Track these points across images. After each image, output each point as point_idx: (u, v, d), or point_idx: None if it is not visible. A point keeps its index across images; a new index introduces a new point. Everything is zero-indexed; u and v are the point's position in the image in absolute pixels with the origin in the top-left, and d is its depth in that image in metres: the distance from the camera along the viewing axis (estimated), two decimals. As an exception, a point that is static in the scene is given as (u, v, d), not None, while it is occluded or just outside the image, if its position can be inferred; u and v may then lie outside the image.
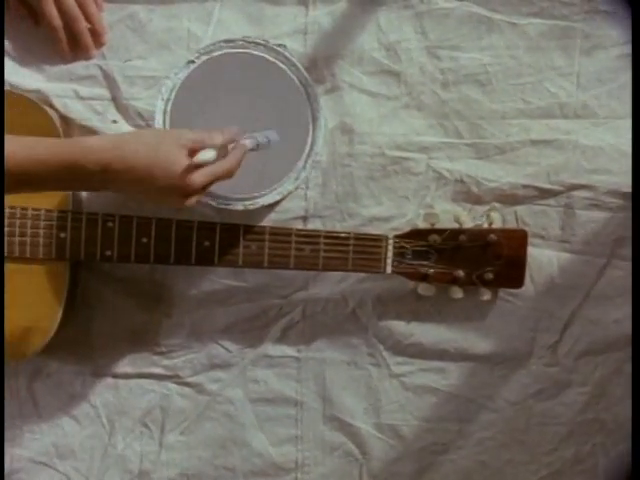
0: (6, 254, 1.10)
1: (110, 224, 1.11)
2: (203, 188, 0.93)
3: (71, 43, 1.18)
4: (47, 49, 1.19)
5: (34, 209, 1.10)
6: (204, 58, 0.98)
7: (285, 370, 1.24)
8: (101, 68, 1.19)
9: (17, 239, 1.10)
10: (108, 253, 1.11)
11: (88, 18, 1.16)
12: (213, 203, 1.01)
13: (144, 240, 1.10)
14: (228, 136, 0.94)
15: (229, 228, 1.11)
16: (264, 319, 1.23)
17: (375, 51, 1.19)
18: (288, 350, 1.24)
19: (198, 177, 0.90)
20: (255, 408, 1.25)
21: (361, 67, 1.19)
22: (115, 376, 1.25)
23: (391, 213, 1.21)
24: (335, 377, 1.24)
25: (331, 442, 1.25)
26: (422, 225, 1.17)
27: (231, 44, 0.98)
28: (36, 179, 0.86)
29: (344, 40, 1.19)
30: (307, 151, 1.00)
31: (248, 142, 0.97)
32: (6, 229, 1.10)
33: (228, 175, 0.94)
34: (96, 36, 1.18)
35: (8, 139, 0.85)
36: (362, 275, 1.21)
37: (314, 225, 1.22)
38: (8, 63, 1.19)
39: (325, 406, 1.24)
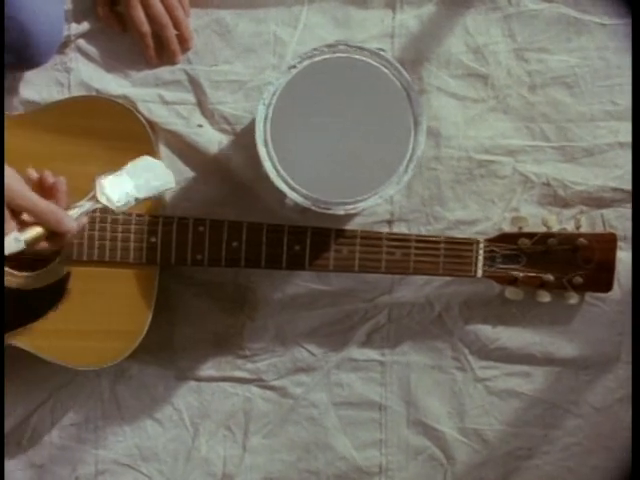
0: (96, 258, 1.11)
1: (201, 228, 1.11)
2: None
3: (158, 49, 1.18)
4: (133, 55, 1.20)
5: (126, 214, 1.10)
6: (306, 63, 0.98)
7: (369, 374, 1.24)
8: (187, 73, 1.20)
9: (108, 243, 1.10)
10: (199, 257, 1.11)
11: (176, 24, 1.16)
12: (314, 207, 1.01)
13: (235, 244, 1.10)
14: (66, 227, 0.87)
15: (320, 232, 1.11)
16: (349, 323, 1.23)
17: (462, 54, 1.18)
18: (372, 354, 1.24)
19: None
20: (339, 412, 1.25)
21: (448, 70, 1.18)
22: (198, 379, 1.25)
23: (476, 217, 1.20)
24: (419, 381, 1.23)
25: (415, 446, 1.24)
26: (509, 229, 1.17)
27: (333, 48, 0.98)
28: None
29: (431, 43, 1.18)
30: (409, 155, 1.00)
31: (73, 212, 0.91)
32: (97, 233, 1.10)
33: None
34: (182, 41, 1.18)
35: None
36: (447, 279, 1.20)
37: (399, 229, 1.21)
38: (94, 69, 1.19)
39: (409, 410, 1.24)
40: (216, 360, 1.25)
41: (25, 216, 0.87)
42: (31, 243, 0.86)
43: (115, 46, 1.19)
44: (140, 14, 1.14)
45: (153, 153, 1.10)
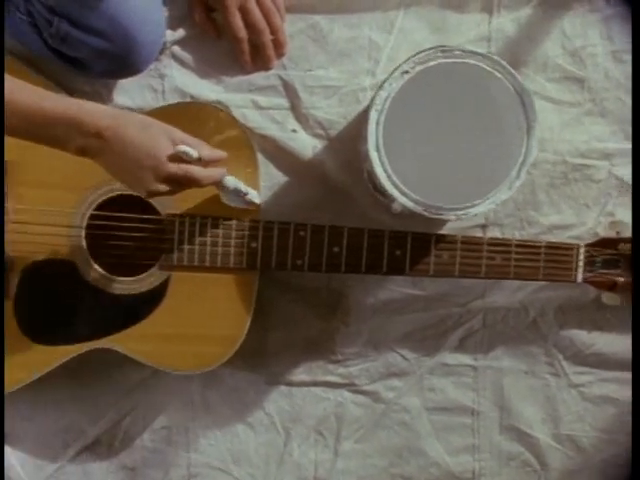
0: (197, 263, 1.11)
1: (302, 233, 1.11)
2: (171, 182, 0.94)
3: (253, 54, 1.18)
4: (227, 61, 1.20)
5: (226, 219, 1.10)
6: (419, 68, 0.98)
7: (462, 379, 1.24)
8: (281, 78, 1.20)
9: (208, 248, 1.11)
10: (299, 262, 1.11)
11: (272, 30, 1.16)
12: (425, 213, 1.01)
13: (336, 249, 1.10)
14: (214, 156, 0.98)
15: (420, 237, 1.11)
16: (442, 327, 1.23)
17: (559, 57, 1.18)
18: (465, 359, 1.23)
19: (173, 165, 0.93)
20: (431, 417, 1.24)
21: (545, 74, 1.18)
22: (290, 384, 1.25)
23: (571, 221, 1.20)
24: (513, 386, 1.23)
25: (508, 452, 1.24)
26: (604, 233, 1.16)
27: (447, 53, 0.98)
28: (32, 127, 0.87)
29: (528, 47, 1.18)
30: (521, 160, 0.99)
31: (230, 178, 1.02)
32: (197, 238, 1.10)
33: (196, 183, 0.96)
34: (278, 47, 1.19)
35: (19, 84, 0.87)
36: (540, 283, 1.20)
37: (493, 233, 1.21)
38: (188, 75, 1.20)
39: (502, 415, 1.23)
40: (308, 365, 1.25)
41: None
42: (189, 155, 0.94)
43: (209, 52, 1.20)
44: (238, 20, 1.14)
45: (254, 159, 1.11)
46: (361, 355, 1.23)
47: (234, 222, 1.11)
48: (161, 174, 0.93)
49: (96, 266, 1.10)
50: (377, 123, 0.98)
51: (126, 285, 1.10)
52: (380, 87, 0.97)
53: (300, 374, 1.24)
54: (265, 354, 1.23)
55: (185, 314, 1.12)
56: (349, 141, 1.19)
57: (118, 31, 1.02)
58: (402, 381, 1.23)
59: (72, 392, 1.22)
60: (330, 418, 1.24)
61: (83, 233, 1.09)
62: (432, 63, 0.97)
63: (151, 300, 1.11)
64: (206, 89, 1.19)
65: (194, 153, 0.94)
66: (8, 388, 1.11)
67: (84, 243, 1.09)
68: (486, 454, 1.23)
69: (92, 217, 1.10)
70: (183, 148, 0.93)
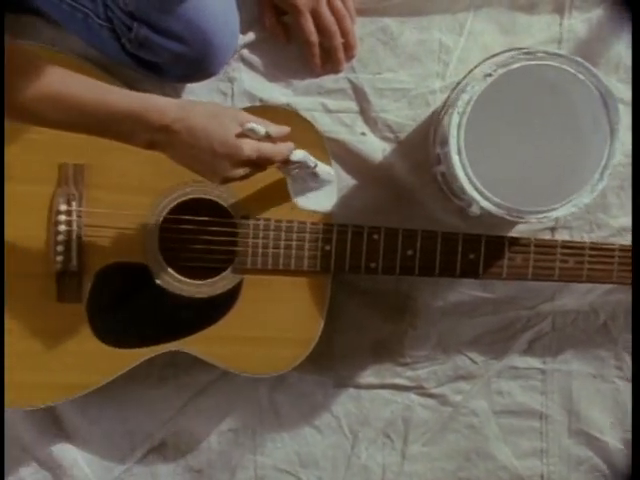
0: (270, 266, 1.11)
1: (375, 236, 1.11)
2: (246, 166, 0.94)
3: (323, 58, 1.18)
4: (296, 64, 1.20)
5: (300, 222, 1.11)
6: (501, 71, 0.97)
7: (530, 382, 1.23)
8: (350, 81, 1.20)
9: (282, 251, 1.11)
10: (373, 265, 1.11)
11: (343, 33, 1.17)
12: (507, 216, 1.00)
13: (409, 252, 1.10)
14: (282, 132, 0.97)
15: (494, 240, 1.11)
16: (511, 330, 1.23)
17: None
18: (534, 362, 1.23)
19: (247, 147, 0.93)
20: (499, 420, 1.24)
21: (617, 75, 1.18)
22: (357, 387, 1.25)
23: (641, 224, 1.18)
24: (581, 390, 1.22)
25: (577, 456, 1.23)
26: (676, 236, 1.15)
27: (530, 56, 0.98)
28: (95, 121, 0.88)
29: (600, 48, 1.17)
30: (604, 163, 0.99)
31: (298, 151, 0.99)
32: (271, 242, 1.11)
33: (270, 161, 0.96)
34: (348, 50, 1.19)
35: (82, 79, 0.87)
36: (610, 286, 1.19)
37: (561, 236, 1.20)
38: (257, 79, 1.20)
39: (571, 419, 1.23)
40: (376, 367, 1.25)
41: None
42: (257, 132, 0.94)
43: (278, 56, 1.20)
44: (310, 24, 1.15)
45: (329, 164, 1.10)
46: (429, 358, 1.23)
47: (308, 225, 1.11)
48: (237, 161, 0.94)
49: (169, 269, 1.10)
50: (459, 126, 0.98)
51: (199, 288, 1.11)
52: (463, 90, 0.97)
53: (368, 377, 1.24)
54: (333, 357, 1.23)
55: (258, 317, 1.12)
56: (418, 144, 1.19)
57: (196, 35, 1.02)
58: (470, 384, 1.23)
59: (139, 394, 1.23)
60: (398, 421, 1.24)
61: (156, 237, 1.09)
62: (515, 65, 0.97)
63: (224, 303, 1.12)
64: (275, 92, 1.19)
65: (262, 130, 0.94)
66: (81, 391, 1.12)
67: (157, 247, 1.09)
68: (555, 458, 1.23)
69: (165, 221, 1.10)
70: (251, 125, 0.93)
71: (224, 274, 1.11)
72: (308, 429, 1.25)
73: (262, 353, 1.13)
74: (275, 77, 1.20)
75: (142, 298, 1.11)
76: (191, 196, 1.10)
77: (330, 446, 1.25)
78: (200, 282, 1.11)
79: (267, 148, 0.96)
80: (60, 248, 1.08)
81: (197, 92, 1.19)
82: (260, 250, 1.10)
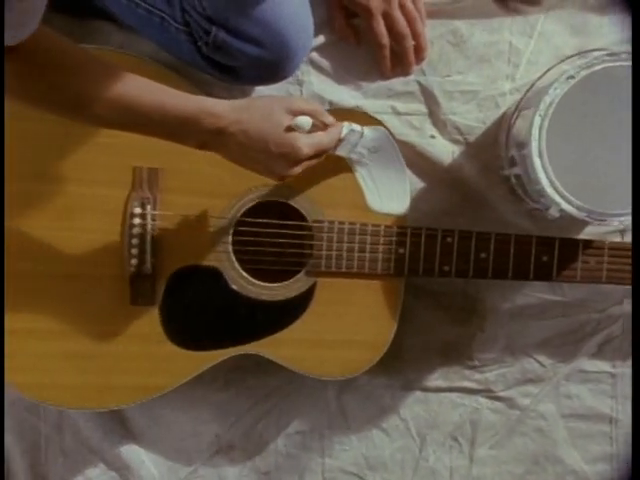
0: (344, 269, 1.11)
1: (449, 239, 1.10)
2: (304, 161, 0.95)
3: (393, 60, 1.18)
4: (365, 66, 1.20)
5: (374, 225, 1.10)
6: (584, 73, 0.97)
7: (599, 386, 1.23)
8: (420, 84, 1.20)
9: (356, 254, 1.11)
10: (446, 268, 1.11)
11: (415, 35, 1.16)
12: (588, 219, 1.00)
13: (483, 255, 1.10)
14: (328, 120, 0.98)
15: (568, 243, 1.10)
16: (580, 333, 1.22)
17: None
18: (603, 365, 1.22)
19: (305, 147, 0.93)
20: (568, 424, 1.23)
21: (691, 77, 1.16)
22: (425, 389, 1.25)
23: None
24: (652, 394, 1.21)
25: (647, 461, 1.22)
26: None
27: (614, 57, 0.97)
28: (150, 122, 0.88)
29: (673, 49, 1.16)
30: (689, 166, 0.98)
31: (343, 126, 1.00)
32: (345, 245, 1.11)
33: (325, 151, 0.97)
34: (418, 52, 1.19)
35: (141, 81, 0.88)
36: (682, 289, 1.18)
37: (629, 239, 1.19)
38: (326, 81, 1.20)
39: (641, 424, 1.21)
40: (444, 370, 1.24)
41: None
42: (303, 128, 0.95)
43: (347, 59, 1.20)
44: (382, 27, 1.15)
45: (402, 167, 1.11)
46: (497, 361, 1.23)
47: (382, 228, 1.10)
48: (295, 160, 0.95)
49: (243, 272, 1.10)
50: (540, 128, 0.97)
51: (273, 291, 1.11)
52: (544, 92, 0.97)
53: (436, 380, 1.24)
54: (401, 360, 1.23)
55: (331, 320, 1.12)
56: (488, 146, 1.19)
57: (274, 38, 1.03)
58: (538, 387, 1.22)
59: (206, 396, 1.23)
60: (465, 424, 1.24)
61: (230, 240, 1.10)
62: (598, 67, 0.97)
63: (298, 306, 1.12)
64: (345, 95, 1.19)
65: (307, 125, 0.94)
66: (154, 393, 1.12)
67: (231, 250, 1.10)
68: (625, 463, 1.22)
69: (239, 223, 1.10)
70: (296, 122, 0.94)
71: (297, 277, 1.11)
72: (376, 432, 1.25)
73: (335, 356, 1.13)
74: (344, 80, 1.20)
75: (215, 301, 1.11)
76: (265, 199, 1.10)
77: (398, 449, 1.25)
78: (274, 285, 1.11)
79: (322, 140, 0.97)
80: (134, 251, 1.08)
81: (266, 94, 1.19)
82: (334, 253, 1.10)
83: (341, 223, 1.10)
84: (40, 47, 0.80)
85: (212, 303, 1.11)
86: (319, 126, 0.98)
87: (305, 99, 0.98)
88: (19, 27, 0.74)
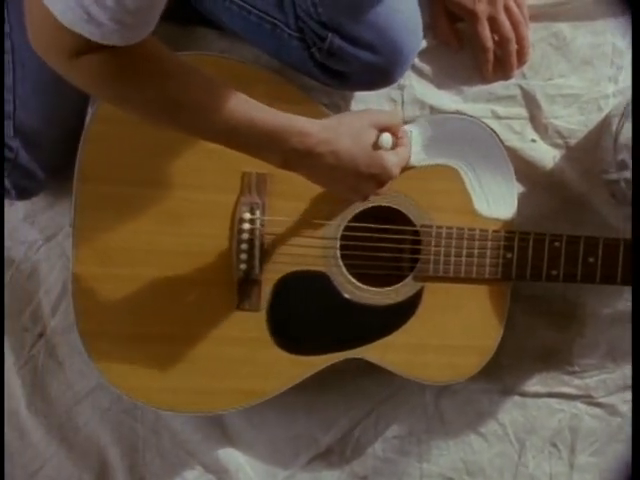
0: (452, 274, 1.11)
1: (557, 244, 1.10)
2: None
3: (495, 64, 1.18)
4: (466, 70, 1.20)
5: (481, 230, 1.10)
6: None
7: (703, 392, 1.21)
8: (521, 87, 1.19)
9: (464, 259, 1.11)
10: (554, 273, 1.11)
11: (519, 39, 1.16)
12: None
13: (591, 260, 1.10)
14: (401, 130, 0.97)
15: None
16: (682, 339, 1.20)
17: None
18: None
19: (394, 165, 0.93)
20: (670, 430, 1.22)
21: None
22: (523, 395, 1.24)
23: None
24: None
25: None
26: None
27: None
28: (237, 134, 0.87)
29: None
30: None
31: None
32: (453, 249, 1.11)
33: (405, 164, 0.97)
34: (520, 56, 1.18)
35: (231, 92, 0.86)
36: None
37: None
38: (427, 86, 1.20)
39: None
40: (542, 375, 1.24)
41: None
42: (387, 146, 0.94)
43: (448, 63, 1.20)
44: (487, 30, 1.15)
45: (510, 171, 1.10)
46: (598, 367, 1.22)
47: (490, 233, 1.10)
48: (384, 180, 0.94)
49: (350, 277, 1.10)
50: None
51: (381, 296, 1.11)
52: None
53: (534, 385, 1.23)
54: (499, 364, 1.22)
55: (439, 325, 1.12)
56: (590, 150, 1.18)
57: (387, 44, 1.03)
58: (640, 394, 1.21)
59: (303, 400, 1.23)
60: (565, 430, 1.23)
61: (338, 244, 1.10)
62: None
63: (405, 311, 1.12)
64: (445, 99, 1.19)
65: (390, 143, 0.94)
66: (260, 398, 1.13)
67: (338, 254, 1.10)
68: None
69: (347, 229, 1.10)
70: (381, 141, 0.94)
71: (405, 282, 1.11)
72: (474, 436, 1.25)
73: (442, 361, 1.13)
74: (445, 84, 1.20)
75: (322, 305, 1.11)
76: (372, 204, 1.10)
77: (497, 454, 1.24)
78: (382, 290, 1.11)
79: (405, 156, 0.97)
80: (243, 256, 1.09)
81: (367, 100, 1.19)
82: (442, 258, 1.10)
83: (449, 228, 1.10)
84: (147, 51, 0.80)
85: (319, 308, 1.11)
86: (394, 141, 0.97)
87: (385, 111, 0.99)
88: (144, 26, 0.74)
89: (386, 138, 0.94)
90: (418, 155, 1.10)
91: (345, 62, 1.04)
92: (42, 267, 1.23)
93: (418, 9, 1.07)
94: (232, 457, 1.24)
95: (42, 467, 1.23)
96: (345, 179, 0.93)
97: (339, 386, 1.23)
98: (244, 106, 0.87)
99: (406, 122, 1.14)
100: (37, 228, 1.23)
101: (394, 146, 0.96)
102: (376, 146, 0.94)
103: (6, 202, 1.21)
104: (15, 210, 1.22)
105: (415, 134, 1.09)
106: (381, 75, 1.07)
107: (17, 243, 1.23)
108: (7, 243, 1.22)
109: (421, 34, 1.08)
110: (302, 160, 0.90)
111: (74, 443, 1.23)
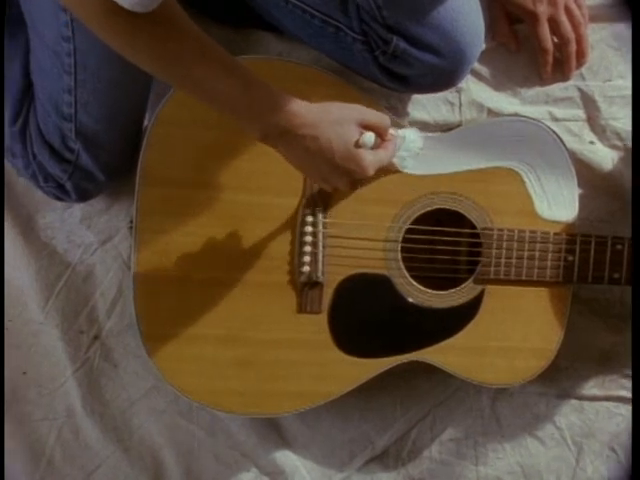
0: (513, 277, 1.11)
1: (619, 247, 1.10)
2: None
3: (553, 65, 1.18)
4: (523, 72, 1.20)
5: (543, 232, 1.10)
6: None
7: None
8: (579, 89, 1.19)
9: (525, 262, 1.10)
10: (616, 276, 1.10)
11: (578, 40, 1.16)
12: None
13: (651, 263, 1.09)
14: (388, 130, 0.97)
15: None
16: None
17: None
18: None
19: (370, 165, 0.93)
20: None
21: None
22: (580, 398, 1.24)
23: None
24: None
25: None
26: None
27: None
28: (231, 92, 0.87)
29: None
30: None
31: (398, 135, 1.02)
32: (515, 252, 1.11)
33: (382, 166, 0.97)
34: (579, 57, 1.18)
35: (227, 58, 0.88)
36: None
37: None
38: (484, 88, 1.20)
39: None
40: (599, 379, 1.23)
41: None
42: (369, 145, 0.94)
43: (506, 65, 1.20)
44: (547, 31, 1.15)
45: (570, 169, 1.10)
46: (657, 370, 1.20)
47: (551, 235, 1.10)
48: (356, 178, 0.95)
49: (411, 280, 1.10)
50: None
51: (441, 298, 1.11)
52: None
53: (592, 388, 1.23)
54: (556, 367, 1.22)
55: (499, 327, 1.12)
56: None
57: (451, 46, 1.03)
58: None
59: (359, 402, 1.23)
60: (623, 434, 1.23)
61: (399, 247, 1.10)
62: None
63: (466, 313, 1.12)
64: (503, 102, 1.19)
65: (371, 143, 0.94)
66: (321, 400, 1.13)
67: (400, 257, 1.10)
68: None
69: (408, 231, 1.10)
70: (364, 141, 0.93)
71: (465, 284, 1.11)
72: (531, 440, 1.24)
73: (502, 364, 1.13)
74: (502, 86, 1.20)
75: (383, 308, 1.12)
76: (434, 207, 1.10)
77: (554, 458, 1.24)
78: (443, 292, 1.11)
79: (384, 159, 0.97)
80: (306, 259, 1.09)
81: (424, 102, 1.19)
82: (503, 260, 1.10)
83: (510, 230, 1.10)
84: (165, 13, 0.81)
85: (380, 310, 1.12)
86: (378, 141, 0.97)
87: (375, 112, 0.97)
88: None
89: (369, 137, 0.94)
90: (477, 158, 1.10)
91: (409, 65, 1.04)
92: (98, 270, 1.23)
93: (481, 11, 1.07)
94: (288, 459, 1.24)
95: (99, 467, 1.23)
96: (319, 166, 0.94)
97: (395, 388, 1.23)
98: (243, 69, 0.88)
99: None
100: (93, 231, 1.23)
101: (376, 147, 0.96)
102: (357, 144, 0.93)
103: (62, 205, 1.22)
104: (71, 213, 1.22)
105: (412, 139, 1.08)
106: (444, 77, 1.07)
107: (73, 246, 1.23)
108: (63, 246, 1.23)
109: (483, 36, 1.08)
110: (282, 137, 0.90)
111: (129, 445, 1.24)
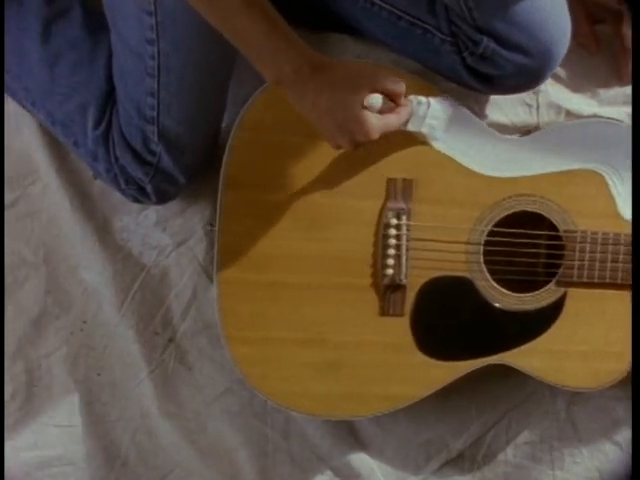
0: (597, 280, 1.10)
1: None
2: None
3: (633, 66, 1.17)
4: (601, 73, 1.20)
5: (626, 235, 1.09)
6: None
7: None
8: (659, 90, 1.18)
9: (609, 264, 1.10)
10: (702, 280, 1.09)
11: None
12: None
13: None
14: (401, 95, 0.97)
15: None
16: None
17: None
18: None
19: (374, 128, 0.93)
20: None
21: None
22: None
23: None
24: None
25: None
26: None
27: None
28: (256, 32, 0.90)
29: None
30: None
31: (415, 102, 1.01)
32: (598, 254, 1.10)
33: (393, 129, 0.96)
34: (660, 57, 1.16)
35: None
36: None
37: None
38: (561, 89, 1.19)
39: None
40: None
41: None
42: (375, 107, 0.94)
43: (583, 66, 1.20)
44: (628, 30, 1.13)
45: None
46: None
47: (622, 237, 1.10)
48: (360, 139, 0.94)
49: (494, 283, 1.10)
50: None
51: (523, 301, 1.10)
52: None
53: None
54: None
55: (582, 330, 1.11)
56: None
57: (539, 46, 1.03)
58: None
59: (435, 405, 1.23)
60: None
61: (481, 250, 1.10)
62: None
63: (548, 316, 1.11)
64: (581, 103, 1.19)
65: (378, 105, 0.94)
66: (403, 403, 1.13)
67: (482, 260, 1.10)
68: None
69: (490, 234, 1.10)
70: (369, 102, 0.93)
71: (548, 287, 1.11)
72: (609, 445, 1.23)
73: (585, 367, 1.12)
74: (580, 87, 1.20)
75: (466, 311, 1.11)
76: (517, 209, 1.09)
77: (633, 463, 1.22)
78: (525, 295, 1.10)
79: (392, 123, 0.97)
80: (390, 261, 1.09)
81: (501, 104, 1.19)
82: (586, 263, 1.10)
83: (594, 232, 1.09)
84: None
85: (463, 313, 1.12)
86: (391, 106, 0.97)
87: (395, 79, 0.96)
88: None
89: (375, 99, 0.94)
90: (558, 160, 1.10)
91: (497, 65, 1.04)
92: (172, 272, 1.24)
93: (567, 10, 1.06)
94: (363, 461, 1.24)
95: (173, 470, 1.24)
96: (323, 121, 0.95)
97: (470, 391, 1.23)
98: (275, 14, 0.91)
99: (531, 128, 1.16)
100: (168, 233, 1.23)
101: (388, 111, 0.96)
102: (363, 105, 0.93)
103: (137, 209, 1.22)
104: (146, 216, 1.23)
105: (438, 107, 1.06)
106: (531, 77, 1.07)
107: (148, 248, 1.24)
108: (139, 248, 1.23)
109: (569, 35, 1.07)
110: (293, 85, 0.93)
111: (204, 447, 1.24)
